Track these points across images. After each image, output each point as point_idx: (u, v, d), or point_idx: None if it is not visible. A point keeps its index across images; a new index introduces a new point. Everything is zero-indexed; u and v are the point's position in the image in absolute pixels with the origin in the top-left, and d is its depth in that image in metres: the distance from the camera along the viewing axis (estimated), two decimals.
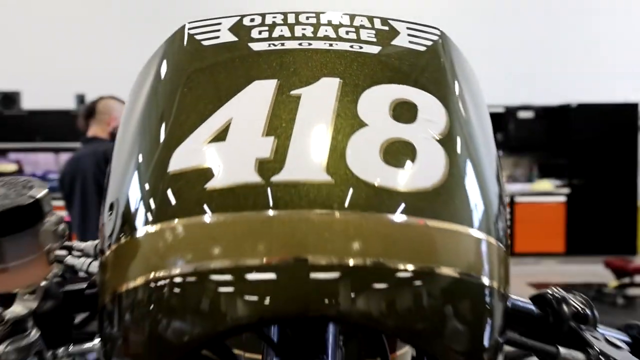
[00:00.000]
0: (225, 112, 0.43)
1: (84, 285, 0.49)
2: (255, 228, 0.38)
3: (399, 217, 0.39)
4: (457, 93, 0.48)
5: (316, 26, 0.50)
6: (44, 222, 0.43)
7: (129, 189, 0.43)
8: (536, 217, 7.26)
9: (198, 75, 0.48)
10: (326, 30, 0.49)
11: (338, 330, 0.54)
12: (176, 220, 0.40)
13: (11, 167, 7.61)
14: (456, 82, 0.49)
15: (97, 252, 0.53)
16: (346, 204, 0.38)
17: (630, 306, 5.40)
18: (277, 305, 0.37)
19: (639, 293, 5.57)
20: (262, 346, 0.55)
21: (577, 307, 0.53)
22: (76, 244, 0.53)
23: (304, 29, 0.49)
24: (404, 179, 0.40)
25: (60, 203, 3.17)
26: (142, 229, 0.41)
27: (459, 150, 0.44)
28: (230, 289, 0.37)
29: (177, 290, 0.38)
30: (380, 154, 0.41)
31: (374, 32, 0.51)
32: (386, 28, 0.52)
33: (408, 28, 0.52)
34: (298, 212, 0.38)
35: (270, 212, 0.38)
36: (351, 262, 0.37)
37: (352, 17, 0.52)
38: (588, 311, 0.53)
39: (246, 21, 0.51)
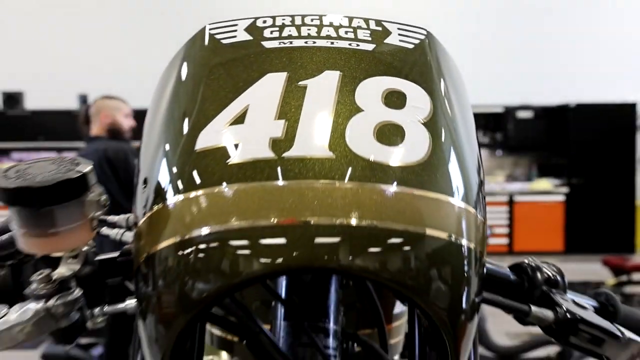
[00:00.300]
0: (242, 100, 0.50)
1: (116, 254, 0.55)
2: (269, 195, 0.45)
3: (389, 187, 0.46)
4: (440, 84, 0.55)
5: (319, 27, 0.57)
6: (89, 193, 0.49)
7: (160, 165, 0.50)
8: (535, 216, 7.32)
9: (219, 69, 0.55)
10: (328, 31, 0.57)
11: (339, 297, 0.60)
12: (202, 190, 0.46)
13: None
14: (440, 75, 0.56)
15: (128, 224, 0.59)
16: (345, 176, 0.46)
17: (627, 303, 5.40)
18: (287, 259, 0.44)
19: (636, 290, 5.61)
20: (271, 315, 0.61)
21: (549, 274, 0.60)
22: (109, 217, 0.59)
23: (309, 30, 0.57)
24: (394, 155, 0.47)
25: None
26: (172, 199, 0.47)
27: (441, 132, 0.51)
28: (247, 246, 0.44)
29: (202, 248, 0.45)
30: (374, 135, 0.48)
31: (369, 32, 0.58)
32: (380, 28, 0.59)
33: (399, 28, 0.59)
34: (305, 182, 0.45)
35: (282, 182, 0.45)
36: (349, 224, 0.44)
37: (350, 19, 0.59)
38: (559, 278, 0.60)
39: (259, 22, 0.58)
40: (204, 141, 0.48)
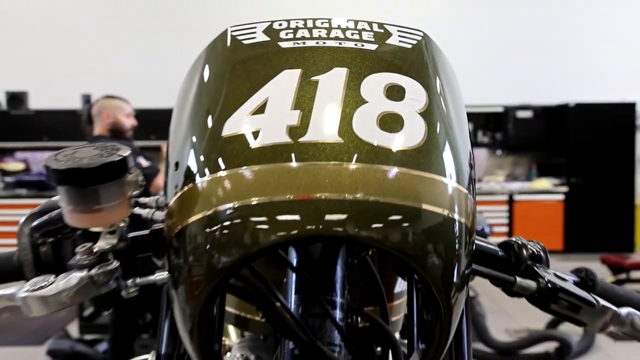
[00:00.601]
0: (262, 93, 0.57)
1: (146, 232, 0.61)
2: (286, 175, 0.52)
3: (391, 167, 0.53)
4: (435, 80, 0.62)
5: (329, 29, 0.64)
6: (128, 175, 0.56)
7: (191, 150, 0.57)
8: (535, 215, 7.37)
9: (240, 66, 0.61)
10: (336, 32, 0.64)
11: (345, 274, 0.67)
12: (227, 171, 0.53)
13: (18, 165, 7.72)
14: (435, 72, 0.63)
15: (158, 204, 0.65)
16: (352, 158, 0.52)
17: None
18: (301, 230, 0.50)
19: (635, 288, 5.65)
20: (283, 290, 0.67)
21: (534, 250, 0.67)
22: (141, 199, 0.65)
23: (320, 32, 0.63)
24: (395, 141, 0.54)
25: None
26: (201, 179, 0.54)
27: (435, 122, 0.57)
28: (266, 219, 0.51)
29: (227, 221, 0.51)
30: (377, 123, 0.55)
31: (372, 33, 0.65)
32: (382, 30, 0.65)
33: (398, 30, 0.66)
34: (317, 164, 0.52)
35: (297, 164, 0.52)
36: (356, 199, 0.51)
37: (356, 22, 0.66)
38: (542, 254, 0.67)
39: (275, 25, 0.64)
40: (229, 129, 0.55)
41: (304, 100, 0.55)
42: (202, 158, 0.55)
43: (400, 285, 0.84)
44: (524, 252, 0.66)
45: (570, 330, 4.22)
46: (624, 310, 0.66)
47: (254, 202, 0.51)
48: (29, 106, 7.57)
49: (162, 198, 0.63)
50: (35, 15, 7.80)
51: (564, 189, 7.50)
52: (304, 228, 0.50)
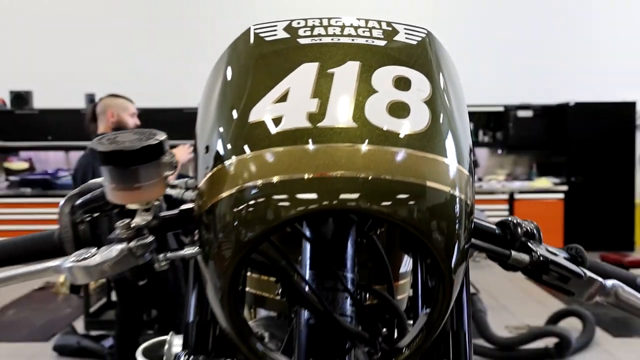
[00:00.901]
0: (284, 84, 0.63)
1: (176, 211, 0.68)
2: (305, 155, 0.58)
3: (398, 149, 0.59)
4: (438, 72, 0.68)
5: (342, 27, 0.70)
6: (164, 157, 0.63)
7: (220, 135, 0.63)
8: (535, 213, 7.40)
9: (264, 60, 0.68)
10: (349, 30, 0.70)
11: (355, 252, 0.73)
12: (253, 152, 0.59)
13: (23, 165, 7.78)
14: (438, 65, 0.69)
15: (187, 186, 0.71)
16: (365, 141, 0.59)
17: None
18: (318, 204, 0.56)
19: None
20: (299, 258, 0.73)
21: (528, 228, 0.72)
22: (171, 181, 0.72)
23: (334, 29, 0.69)
24: (402, 126, 0.60)
25: None
26: (229, 160, 0.60)
27: (438, 109, 0.63)
28: (287, 194, 0.57)
29: (252, 197, 0.58)
30: (387, 110, 0.61)
31: (381, 31, 0.71)
32: (390, 28, 0.72)
33: (405, 28, 0.72)
34: (333, 145, 0.58)
35: (316, 146, 0.58)
36: (368, 176, 0.57)
37: (367, 20, 0.72)
38: (535, 232, 0.73)
39: (294, 24, 0.71)
40: (255, 115, 0.61)
41: (322, 90, 0.62)
42: (230, 142, 0.62)
43: (405, 266, 0.90)
44: (519, 229, 0.73)
45: (570, 327, 4.27)
46: (609, 282, 0.72)
47: (276, 180, 0.57)
48: (34, 105, 7.61)
49: (191, 180, 0.70)
50: (39, 15, 7.85)
51: (564, 187, 7.53)
52: (321, 202, 0.56)
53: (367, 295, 0.81)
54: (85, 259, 0.61)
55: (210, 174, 0.61)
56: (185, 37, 7.82)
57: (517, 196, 7.42)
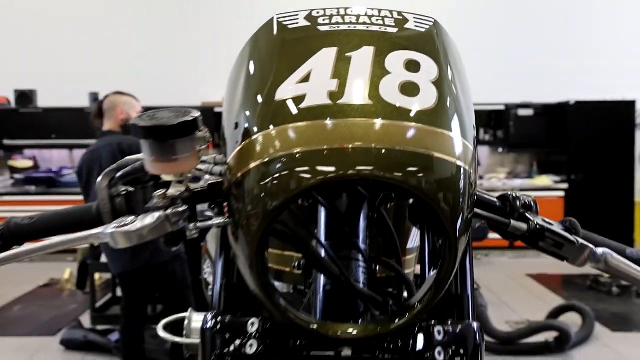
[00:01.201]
0: (307, 66, 0.69)
1: (205, 186, 0.74)
2: (326, 129, 0.64)
3: (409, 123, 0.65)
4: (444, 56, 0.74)
5: (358, 16, 0.76)
6: (198, 132, 0.69)
7: (248, 113, 0.69)
8: None
9: (288, 45, 0.74)
10: (364, 19, 0.76)
11: (367, 225, 0.79)
12: (279, 127, 0.65)
13: (27, 163, 7.84)
14: (444, 50, 0.75)
15: (215, 161, 0.77)
16: (379, 116, 0.65)
17: (624, 294, 5.61)
18: (337, 172, 0.62)
19: None
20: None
21: (526, 201, 0.79)
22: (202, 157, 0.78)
23: (350, 18, 0.76)
24: (413, 103, 0.67)
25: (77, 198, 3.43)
26: (257, 134, 0.67)
27: (444, 89, 0.70)
28: (310, 164, 0.63)
29: (277, 167, 0.64)
30: (399, 89, 0.67)
31: (393, 20, 0.77)
32: (400, 17, 0.78)
33: (414, 17, 0.79)
34: (351, 120, 0.64)
35: (335, 120, 0.65)
36: (382, 147, 0.63)
37: (379, 10, 0.79)
38: (533, 204, 0.80)
39: (314, 13, 0.77)
40: (281, 94, 0.68)
41: (340, 71, 0.68)
42: (258, 118, 0.68)
43: (412, 242, 0.96)
44: (517, 202, 0.79)
45: (570, 322, 4.33)
46: (599, 250, 0.79)
47: (299, 151, 0.64)
48: (38, 104, 7.67)
49: (219, 156, 0.76)
50: (43, 15, 7.91)
51: (565, 186, 7.58)
52: (338, 172, 0.62)
53: (378, 268, 0.87)
54: (125, 225, 0.68)
55: (239, 147, 0.68)
56: (187, 36, 7.88)
57: (518, 194, 7.46)
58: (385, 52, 0.70)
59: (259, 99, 0.69)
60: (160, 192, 0.69)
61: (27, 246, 0.76)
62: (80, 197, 3.56)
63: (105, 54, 7.86)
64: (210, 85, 6.79)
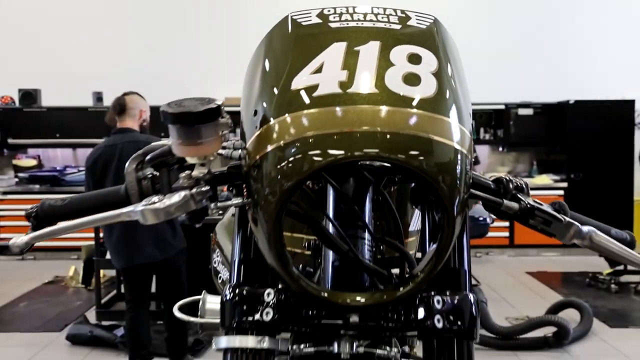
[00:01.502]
0: (319, 59, 0.76)
1: (224, 169, 0.80)
2: (337, 115, 0.71)
3: (412, 110, 0.72)
4: (443, 50, 0.81)
5: (365, 14, 0.83)
6: (222, 118, 0.76)
7: (267, 100, 0.76)
8: None
9: (302, 39, 0.81)
10: (370, 16, 0.83)
11: (371, 207, 0.85)
12: (294, 113, 0.72)
13: (31, 162, 7.91)
14: (443, 45, 0.82)
15: (234, 146, 0.84)
16: (385, 103, 0.72)
17: (623, 291, 5.67)
18: (346, 153, 0.69)
19: (632, 279, 5.83)
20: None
21: (518, 183, 0.86)
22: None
23: (358, 16, 0.83)
24: (415, 92, 0.73)
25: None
26: (274, 120, 0.73)
27: (443, 80, 0.77)
28: (321, 147, 0.70)
29: (292, 149, 0.71)
30: (402, 80, 0.74)
31: (397, 17, 0.84)
32: (403, 15, 0.85)
33: (416, 15, 0.86)
34: (359, 107, 0.72)
35: (345, 107, 0.72)
36: (387, 131, 0.70)
37: (385, 9, 0.86)
38: (524, 186, 0.86)
39: (325, 11, 0.84)
40: (296, 84, 0.75)
41: (350, 63, 0.75)
42: (275, 106, 0.75)
43: (413, 225, 1.03)
44: (510, 184, 0.86)
45: (569, 318, 4.39)
46: (585, 228, 0.85)
47: (312, 135, 0.71)
48: (42, 104, 7.73)
49: (238, 142, 0.83)
50: (46, 14, 7.97)
51: (564, 184, 7.63)
52: (348, 153, 0.70)
53: (382, 248, 0.93)
54: (154, 203, 0.75)
55: (258, 133, 0.75)
56: (190, 36, 7.95)
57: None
58: (389, 46, 0.77)
59: (276, 88, 0.76)
60: (186, 173, 0.76)
61: (62, 224, 0.82)
62: None
63: (109, 53, 7.91)
64: (212, 84, 6.86)
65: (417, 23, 0.83)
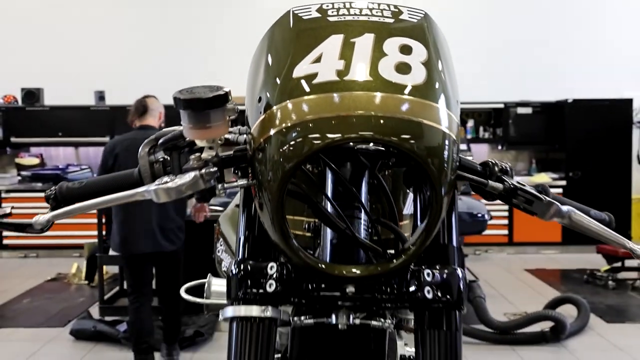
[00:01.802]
0: (318, 49, 0.82)
1: (231, 152, 0.86)
2: (334, 100, 0.77)
3: (403, 96, 0.78)
4: (432, 42, 0.86)
5: (360, 9, 0.89)
6: (229, 104, 0.82)
7: (271, 88, 0.82)
8: None
9: (302, 32, 0.87)
10: (365, 11, 0.89)
11: (367, 190, 0.91)
12: (295, 99, 0.78)
13: (34, 160, 7.97)
14: (432, 37, 0.88)
15: (240, 131, 0.90)
16: (378, 89, 0.78)
17: (620, 288, 5.72)
18: (343, 135, 0.75)
19: (629, 276, 5.89)
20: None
21: (503, 166, 0.91)
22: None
23: (354, 10, 0.89)
24: (406, 79, 0.79)
25: None
26: (277, 106, 0.79)
27: (432, 68, 0.82)
28: (320, 129, 0.76)
29: (293, 132, 0.77)
30: (394, 68, 0.80)
31: (390, 12, 0.90)
32: (396, 10, 0.91)
33: (408, 10, 0.91)
34: (355, 93, 0.77)
35: (342, 93, 0.78)
36: (381, 115, 0.76)
37: (379, 4, 0.91)
38: (509, 169, 0.92)
39: (324, 6, 0.90)
40: (297, 72, 0.81)
41: (346, 54, 0.81)
42: (278, 93, 0.81)
43: (407, 209, 1.09)
44: (496, 167, 0.92)
45: (567, 314, 4.45)
46: (565, 207, 0.91)
47: (311, 119, 0.77)
48: (44, 102, 7.79)
49: (243, 127, 0.89)
50: (49, 14, 8.03)
51: (563, 183, 7.68)
52: (344, 134, 0.76)
53: (378, 229, 0.99)
54: (166, 182, 0.81)
55: (262, 118, 0.81)
56: (192, 35, 8.00)
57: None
58: (383, 38, 0.83)
59: (278, 77, 0.82)
60: (196, 155, 0.83)
61: (80, 204, 0.88)
62: None
63: (111, 52, 7.97)
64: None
65: (409, 17, 0.89)
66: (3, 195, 7.44)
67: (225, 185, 0.85)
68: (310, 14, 0.88)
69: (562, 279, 6.37)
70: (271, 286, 0.84)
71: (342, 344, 0.89)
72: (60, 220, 0.89)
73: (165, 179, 0.82)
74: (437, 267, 0.85)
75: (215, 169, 0.83)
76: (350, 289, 0.83)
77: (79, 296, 5.66)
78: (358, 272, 0.82)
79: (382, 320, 0.87)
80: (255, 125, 0.82)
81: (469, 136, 7.92)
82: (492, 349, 4.20)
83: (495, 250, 7.61)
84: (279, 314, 0.85)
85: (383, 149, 0.89)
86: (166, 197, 0.81)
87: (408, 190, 1.03)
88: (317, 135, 0.76)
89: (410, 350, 1.12)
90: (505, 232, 7.64)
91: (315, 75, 0.79)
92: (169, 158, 0.90)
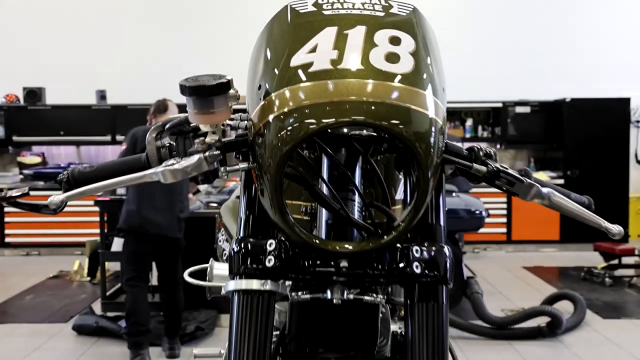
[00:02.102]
0: (314, 40, 0.88)
1: (233, 138, 0.92)
2: (328, 87, 0.83)
3: (392, 84, 0.84)
4: (420, 34, 0.92)
5: (353, 3, 0.95)
6: (231, 91, 0.88)
7: (270, 76, 0.88)
8: (533, 206, 7.44)
9: (299, 25, 0.92)
10: (358, 5, 0.94)
11: (361, 175, 0.97)
12: (292, 86, 0.84)
13: (35, 159, 8.03)
14: (420, 29, 0.93)
15: (241, 118, 0.96)
16: (370, 77, 0.83)
17: (616, 285, 5.78)
18: (336, 119, 0.81)
19: (625, 273, 5.95)
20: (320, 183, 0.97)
21: (488, 151, 0.97)
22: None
23: (347, 4, 0.94)
24: (395, 68, 0.85)
25: None
26: (275, 93, 0.85)
27: (420, 59, 0.88)
28: (315, 114, 0.82)
29: (290, 116, 0.83)
30: (384, 58, 0.86)
31: (381, 6, 0.95)
32: (387, 4, 0.96)
33: (397, 4, 0.97)
34: (348, 80, 0.83)
35: (336, 80, 0.83)
36: (372, 101, 0.82)
37: None
38: (493, 154, 0.98)
39: (319, 1, 0.95)
40: (294, 62, 0.87)
41: (340, 44, 0.87)
42: (277, 80, 0.87)
43: (399, 195, 1.14)
44: (481, 152, 0.98)
45: (563, 310, 4.50)
46: (545, 189, 0.97)
47: (307, 104, 0.83)
48: (46, 102, 7.84)
49: (244, 114, 0.95)
50: (51, 14, 8.07)
51: (561, 181, 7.70)
52: (337, 119, 0.82)
53: (372, 212, 1.05)
54: (172, 164, 0.87)
55: (261, 104, 0.87)
56: (194, 34, 8.05)
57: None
58: (374, 30, 0.89)
59: (277, 66, 0.88)
60: (200, 139, 0.89)
61: (92, 185, 0.94)
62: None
63: (113, 52, 8.01)
64: None
65: (398, 11, 0.95)
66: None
67: (229, 168, 0.91)
68: (307, 8, 0.94)
69: (560, 276, 6.43)
70: (270, 261, 0.90)
71: (337, 319, 0.95)
72: (73, 200, 0.95)
73: (172, 161, 0.89)
74: (425, 244, 0.90)
75: (218, 152, 0.89)
76: (344, 264, 0.88)
77: (81, 292, 5.72)
78: (351, 247, 0.87)
79: (374, 295, 0.93)
80: (255, 111, 0.88)
81: (467, 135, 7.98)
82: (489, 344, 4.25)
83: (493, 248, 7.66)
84: (277, 287, 0.91)
85: (375, 134, 0.95)
86: (172, 177, 0.87)
87: (399, 176, 1.08)
88: (313, 120, 0.81)
89: (402, 328, 1.18)
90: (504, 230, 7.69)
91: (310, 64, 0.85)
92: (174, 144, 0.96)
